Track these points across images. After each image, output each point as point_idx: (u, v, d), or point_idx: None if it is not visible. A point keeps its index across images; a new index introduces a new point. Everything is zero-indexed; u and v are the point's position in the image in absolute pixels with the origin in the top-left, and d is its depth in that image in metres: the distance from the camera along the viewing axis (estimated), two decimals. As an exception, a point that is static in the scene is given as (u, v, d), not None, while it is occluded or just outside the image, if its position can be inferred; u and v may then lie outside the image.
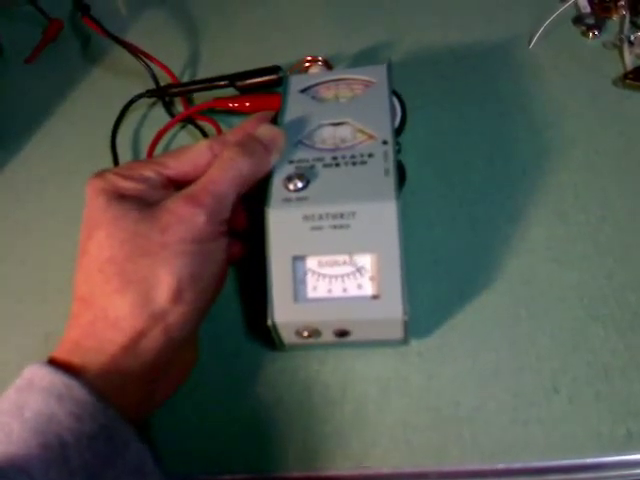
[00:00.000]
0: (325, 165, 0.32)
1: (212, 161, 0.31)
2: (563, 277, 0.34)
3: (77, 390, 0.25)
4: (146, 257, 0.27)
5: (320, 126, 0.35)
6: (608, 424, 0.29)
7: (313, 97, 0.37)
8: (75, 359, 0.27)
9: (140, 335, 0.27)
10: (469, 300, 0.34)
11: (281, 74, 0.44)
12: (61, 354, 0.27)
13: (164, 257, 0.27)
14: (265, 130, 0.33)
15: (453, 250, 0.36)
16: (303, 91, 0.38)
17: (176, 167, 0.31)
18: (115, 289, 0.27)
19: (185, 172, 0.31)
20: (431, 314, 0.34)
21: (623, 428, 0.29)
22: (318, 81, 0.38)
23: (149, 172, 0.30)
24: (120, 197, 0.29)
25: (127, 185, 0.30)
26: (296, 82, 0.38)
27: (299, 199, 0.31)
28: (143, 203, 0.29)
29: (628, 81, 0.43)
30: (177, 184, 0.31)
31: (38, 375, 0.26)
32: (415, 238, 0.36)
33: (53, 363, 0.27)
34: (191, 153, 0.31)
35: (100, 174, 0.30)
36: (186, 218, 0.28)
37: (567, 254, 0.35)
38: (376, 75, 0.38)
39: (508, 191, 0.38)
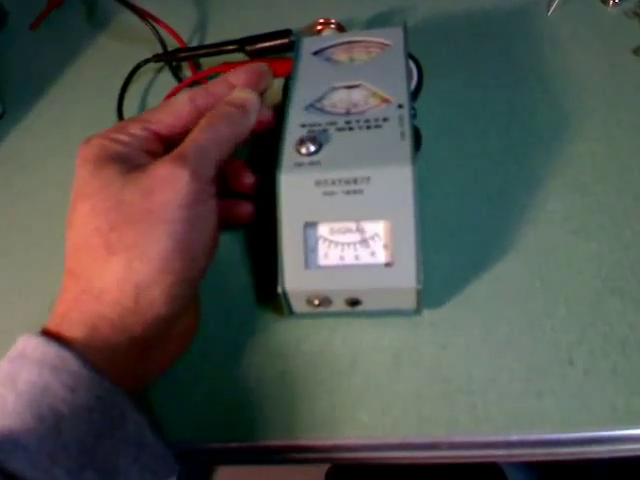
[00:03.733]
0: (338, 129, 0.31)
1: (193, 111, 0.31)
2: (580, 249, 0.33)
3: (71, 361, 0.25)
4: (131, 225, 0.27)
5: (333, 89, 0.34)
6: (624, 397, 0.29)
7: (327, 59, 0.36)
8: (64, 332, 0.26)
9: (125, 309, 0.26)
10: (483, 271, 0.33)
11: (292, 38, 0.42)
12: (52, 327, 0.27)
13: (149, 224, 0.27)
14: (238, 93, 0.32)
15: (468, 220, 0.35)
16: (316, 53, 0.37)
17: (160, 120, 0.31)
18: (100, 260, 0.27)
19: (169, 124, 0.31)
20: (444, 284, 0.33)
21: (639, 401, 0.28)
22: (332, 43, 0.37)
23: (135, 129, 0.30)
24: (106, 162, 0.28)
25: (114, 147, 0.29)
26: (309, 44, 0.37)
27: (311, 163, 0.30)
28: (130, 164, 0.28)
29: (650, 50, 0.42)
30: (164, 139, 0.31)
31: (30, 345, 0.25)
32: (429, 208, 0.35)
33: (46, 334, 0.26)
34: (173, 105, 0.31)
35: (87, 141, 0.30)
36: (169, 179, 0.27)
37: (584, 225, 0.34)
38: (392, 37, 0.37)
39: (525, 161, 0.37)
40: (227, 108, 0.31)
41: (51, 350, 0.25)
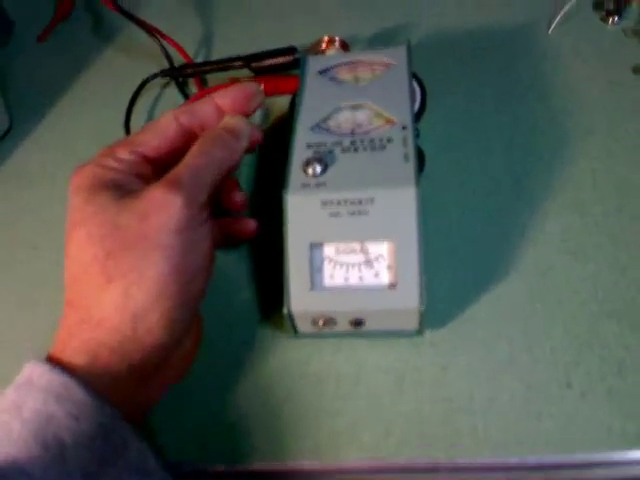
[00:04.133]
0: (343, 149, 0.32)
1: (179, 131, 0.32)
2: (578, 270, 0.34)
3: (75, 389, 0.25)
4: (127, 251, 0.27)
5: (339, 109, 0.35)
6: (620, 420, 0.29)
7: (331, 79, 0.37)
8: (66, 359, 0.27)
9: (124, 337, 0.27)
10: (484, 290, 0.34)
11: (297, 55, 0.43)
12: (55, 353, 0.27)
13: (145, 250, 0.27)
14: (229, 120, 0.33)
15: (468, 239, 0.36)
16: (321, 72, 0.37)
17: (147, 142, 0.31)
18: (98, 289, 0.27)
19: (155, 146, 0.31)
20: (445, 304, 0.33)
21: (636, 424, 0.29)
22: (337, 62, 0.38)
23: (124, 154, 0.30)
24: (99, 189, 0.29)
25: (105, 174, 0.29)
26: (314, 63, 0.38)
27: (317, 184, 0.31)
28: (122, 190, 0.29)
29: (648, 69, 0.43)
30: (152, 160, 0.31)
31: (36, 373, 0.26)
32: (431, 226, 0.36)
33: (51, 361, 0.27)
34: (158, 126, 0.32)
35: (79, 169, 0.30)
36: (163, 204, 0.28)
37: (583, 246, 0.35)
38: (395, 57, 0.37)
39: (525, 179, 0.38)
40: (219, 134, 0.31)
41: (56, 378, 0.25)
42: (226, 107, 0.33)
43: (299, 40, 0.45)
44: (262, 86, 0.43)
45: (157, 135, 0.31)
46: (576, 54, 0.45)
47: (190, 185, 0.28)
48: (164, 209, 0.27)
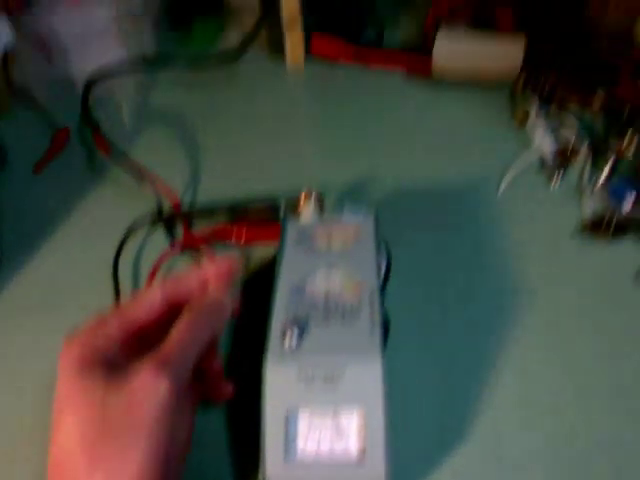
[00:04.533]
0: (317, 318, 0.35)
1: (165, 304, 0.34)
2: (526, 441, 0.36)
3: None
4: (112, 439, 0.28)
5: (314, 275, 0.38)
6: None
7: (308, 245, 0.41)
8: None
9: None
10: (444, 456, 0.36)
11: (278, 204, 0.48)
12: None
13: (130, 438, 0.28)
14: (215, 296, 0.35)
15: (428, 405, 0.38)
16: (299, 238, 0.41)
17: (134, 315, 0.33)
18: (82, 473, 0.28)
19: (142, 319, 0.33)
20: (408, 474, 0.35)
21: None
22: (313, 229, 0.42)
23: (112, 328, 0.32)
24: (87, 368, 0.30)
25: (94, 351, 0.30)
26: (293, 229, 0.42)
27: (294, 354, 0.34)
28: (110, 367, 0.30)
29: (588, 231, 0.48)
30: (138, 331, 0.33)
31: None
32: (396, 392, 0.36)
33: None
34: (146, 299, 0.34)
35: (69, 343, 0.31)
36: (151, 389, 0.29)
37: (532, 414, 0.37)
38: (364, 225, 0.42)
39: (479, 345, 0.41)
40: (205, 311, 0.33)
41: None
42: (209, 276, 0.36)
43: (280, 184, 0.50)
44: (243, 236, 0.48)
45: (144, 308, 0.33)
46: (522, 214, 0.50)
47: (177, 365, 0.30)
48: (152, 396, 0.29)
